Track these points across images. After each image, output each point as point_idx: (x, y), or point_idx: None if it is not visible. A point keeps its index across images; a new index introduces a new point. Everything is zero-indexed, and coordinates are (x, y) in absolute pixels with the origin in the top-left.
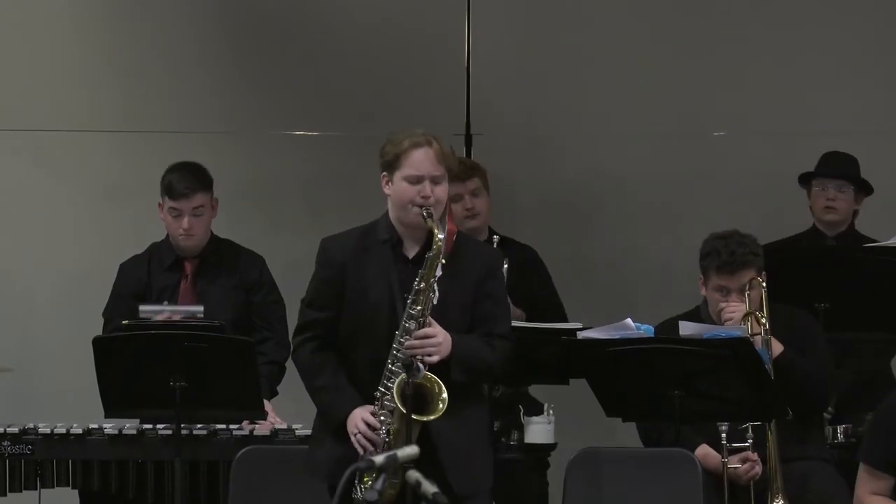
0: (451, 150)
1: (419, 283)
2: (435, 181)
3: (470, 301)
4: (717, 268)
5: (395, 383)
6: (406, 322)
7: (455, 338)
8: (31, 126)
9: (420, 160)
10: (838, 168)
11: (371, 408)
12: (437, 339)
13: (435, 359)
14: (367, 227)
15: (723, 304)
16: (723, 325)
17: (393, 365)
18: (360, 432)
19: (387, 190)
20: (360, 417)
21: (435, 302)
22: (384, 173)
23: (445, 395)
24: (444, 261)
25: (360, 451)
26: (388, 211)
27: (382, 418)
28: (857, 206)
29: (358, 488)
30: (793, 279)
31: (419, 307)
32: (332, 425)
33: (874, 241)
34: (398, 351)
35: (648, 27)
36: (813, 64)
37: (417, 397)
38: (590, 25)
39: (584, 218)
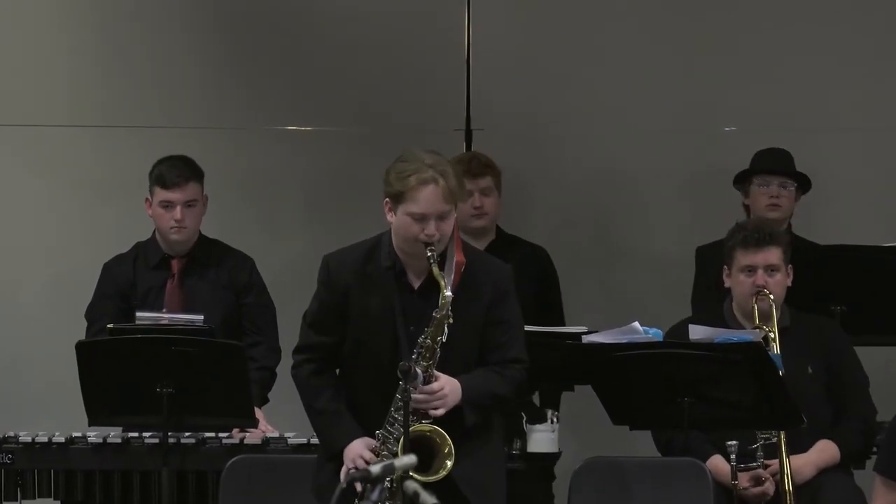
0: (459, 183)
1: (425, 339)
2: (441, 217)
3: (479, 329)
4: (743, 241)
5: (400, 445)
6: None
7: (464, 382)
8: (14, 121)
9: (427, 199)
10: (780, 164)
11: (372, 442)
12: (444, 392)
13: (441, 412)
14: (370, 246)
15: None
16: (754, 325)
17: (396, 413)
18: (357, 469)
19: (389, 218)
20: (358, 453)
21: (445, 339)
22: (387, 200)
23: (451, 462)
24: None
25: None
26: (390, 234)
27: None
28: (796, 203)
29: None
30: (809, 281)
31: (425, 363)
32: (328, 453)
33: (810, 242)
34: (401, 400)
35: (656, 20)
36: (825, 60)
37: (423, 450)
38: (594, 17)
39: (588, 216)
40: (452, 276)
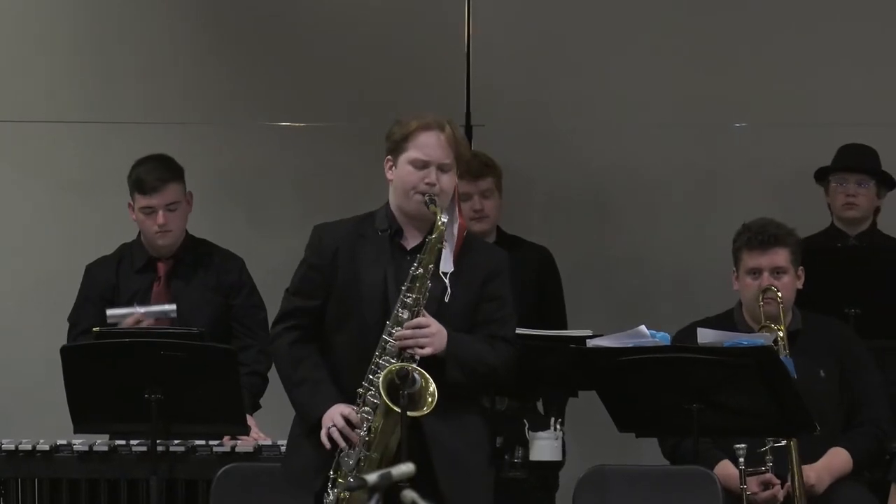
0: (463, 137)
1: (416, 268)
2: (442, 169)
3: (473, 303)
4: (748, 243)
5: (383, 373)
6: (399, 311)
7: (452, 334)
8: None
9: (429, 144)
10: (858, 161)
11: (351, 406)
12: (431, 330)
13: (427, 350)
14: (364, 215)
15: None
16: (760, 325)
17: (380, 358)
18: (335, 426)
19: (389, 175)
20: (338, 412)
21: (447, 299)
22: (388, 157)
23: (434, 388)
24: (443, 246)
25: (329, 445)
26: (388, 200)
27: (365, 416)
28: (878, 201)
29: (329, 492)
30: (822, 283)
31: (414, 295)
32: (307, 423)
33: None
34: (388, 344)
35: (664, 12)
36: (838, 54)
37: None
38: (601, 9)
39: (593, 215)
40: (455, 240)
